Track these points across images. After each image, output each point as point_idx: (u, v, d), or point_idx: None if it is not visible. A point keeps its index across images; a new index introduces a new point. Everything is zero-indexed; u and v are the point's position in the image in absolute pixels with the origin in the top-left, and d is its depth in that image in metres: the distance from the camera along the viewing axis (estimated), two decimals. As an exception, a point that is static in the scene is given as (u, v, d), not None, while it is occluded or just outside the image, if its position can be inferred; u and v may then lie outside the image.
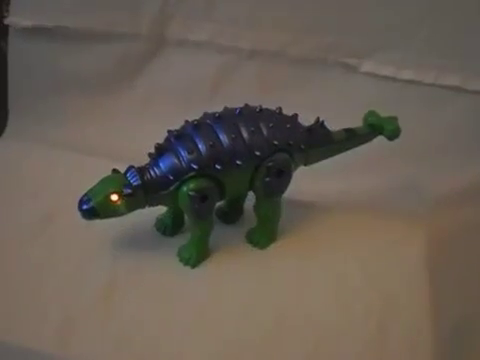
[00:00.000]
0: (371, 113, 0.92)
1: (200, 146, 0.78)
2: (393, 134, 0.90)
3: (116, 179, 0.79)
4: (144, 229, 0.90)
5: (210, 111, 0.84)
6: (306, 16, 1.05)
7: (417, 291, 0.80)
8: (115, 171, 0.81)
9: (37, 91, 1.16)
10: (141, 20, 1.10)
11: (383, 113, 1.07)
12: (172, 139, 0.80)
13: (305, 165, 0.89)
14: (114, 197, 0.76)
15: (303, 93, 1.10)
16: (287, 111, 0.87)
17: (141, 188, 0.78)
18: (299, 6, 1.05)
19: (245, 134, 0.80)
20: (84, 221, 0.88)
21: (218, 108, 0.87)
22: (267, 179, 0.81)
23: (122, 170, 0.81)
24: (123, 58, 1.14)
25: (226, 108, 0.84)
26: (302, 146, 0.84)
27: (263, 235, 0.88)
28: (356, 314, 0.76)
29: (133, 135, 1.12)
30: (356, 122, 0.92)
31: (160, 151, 0.79)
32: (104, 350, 0.70)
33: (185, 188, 0.78)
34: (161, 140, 0.84)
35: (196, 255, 0.84)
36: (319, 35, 1.06)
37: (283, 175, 0.83)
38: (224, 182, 0.80)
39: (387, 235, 0.90)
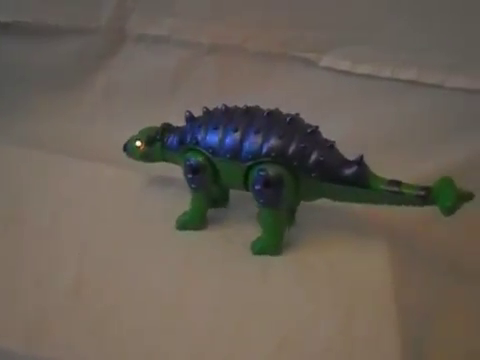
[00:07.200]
0: (444, 179, 0.77)
1: (209, 127, 0.82)
2: (446, 211, 0.74)
3: (150, 130, 0.91)
4: (113, 220, 0.90)
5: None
6: (266, 11, 1.06)
7: (382, 279, 0.82)
8: (162, 124, 0.91)
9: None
10: (100, 14, 1.09)
11: (342, 106, 1.10)
12: (202, 113, 0.86)
13: (334, 200, 0.83)
14: (138, 143, 0.90)
15: (263, 87, 1.11)
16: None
17: (158, 142, 0.89)
18: (259, 1, 1.06)
19: (249, 134, 0.80)
20: (49, 217, 0.88)
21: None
22: (257, 187, 0.80)
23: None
24: (83, 53, 1.13)
25: (259, 107, 0.83)
26: (313, 174, 0.79)
27: (259, 242, 0.86)
28: (324, 303, 0.78)
29: (93, 130, 1.12)
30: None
31: (188, 119, 0.87)
32: (76, 346, 0.70)
33: (185, 155, 0.85)
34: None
35: (185, 221, 0.89)
36: (279, 30, 1.07)
37: (271, 188, 0.79)
38: (218, 168, 0.83)
39: (351, 228, 0.91)
